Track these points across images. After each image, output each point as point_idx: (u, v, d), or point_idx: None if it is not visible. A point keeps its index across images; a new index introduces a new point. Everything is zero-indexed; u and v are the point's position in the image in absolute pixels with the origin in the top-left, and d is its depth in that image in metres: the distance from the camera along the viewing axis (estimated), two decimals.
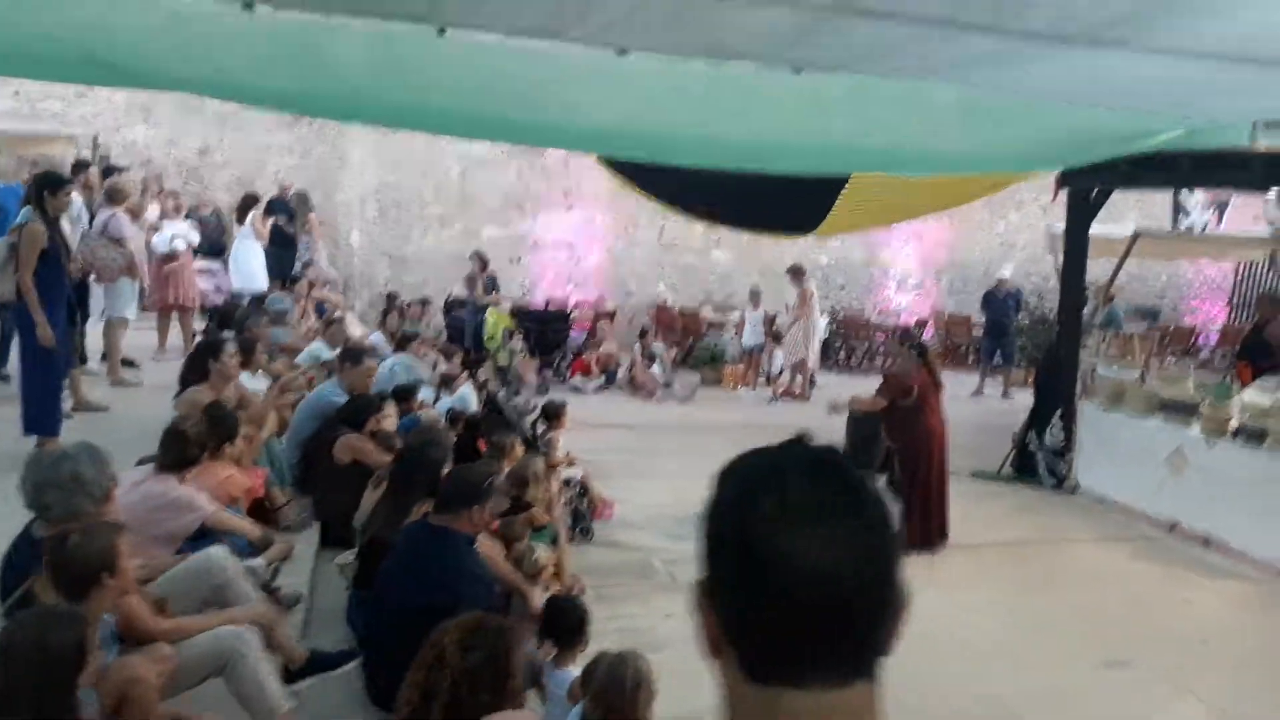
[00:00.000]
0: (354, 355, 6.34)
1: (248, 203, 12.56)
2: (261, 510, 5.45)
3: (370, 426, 5.50)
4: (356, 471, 5.53)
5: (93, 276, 7.67)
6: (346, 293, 14.20)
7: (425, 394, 8.25)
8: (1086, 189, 9.14)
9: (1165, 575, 7.12)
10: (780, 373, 12.64)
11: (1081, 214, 9.32)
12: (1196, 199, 12.37)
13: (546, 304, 13.69)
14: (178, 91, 9.25)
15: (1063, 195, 9.57)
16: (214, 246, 13.20)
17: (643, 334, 13.38)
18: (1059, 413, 9.27)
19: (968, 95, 5.68)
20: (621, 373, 12.99)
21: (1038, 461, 9.37)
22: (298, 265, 12.43)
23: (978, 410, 12.71)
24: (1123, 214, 13.04)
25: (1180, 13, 3.08)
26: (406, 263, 15.32)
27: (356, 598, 4.43)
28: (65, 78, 6.31)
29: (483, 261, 13.19)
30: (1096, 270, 10.41)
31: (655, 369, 12.81)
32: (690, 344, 14.52)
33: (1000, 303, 13.59)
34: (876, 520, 0.99)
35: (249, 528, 4.21)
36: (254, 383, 6.48)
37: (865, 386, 13.40)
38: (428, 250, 15.35)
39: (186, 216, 12.53)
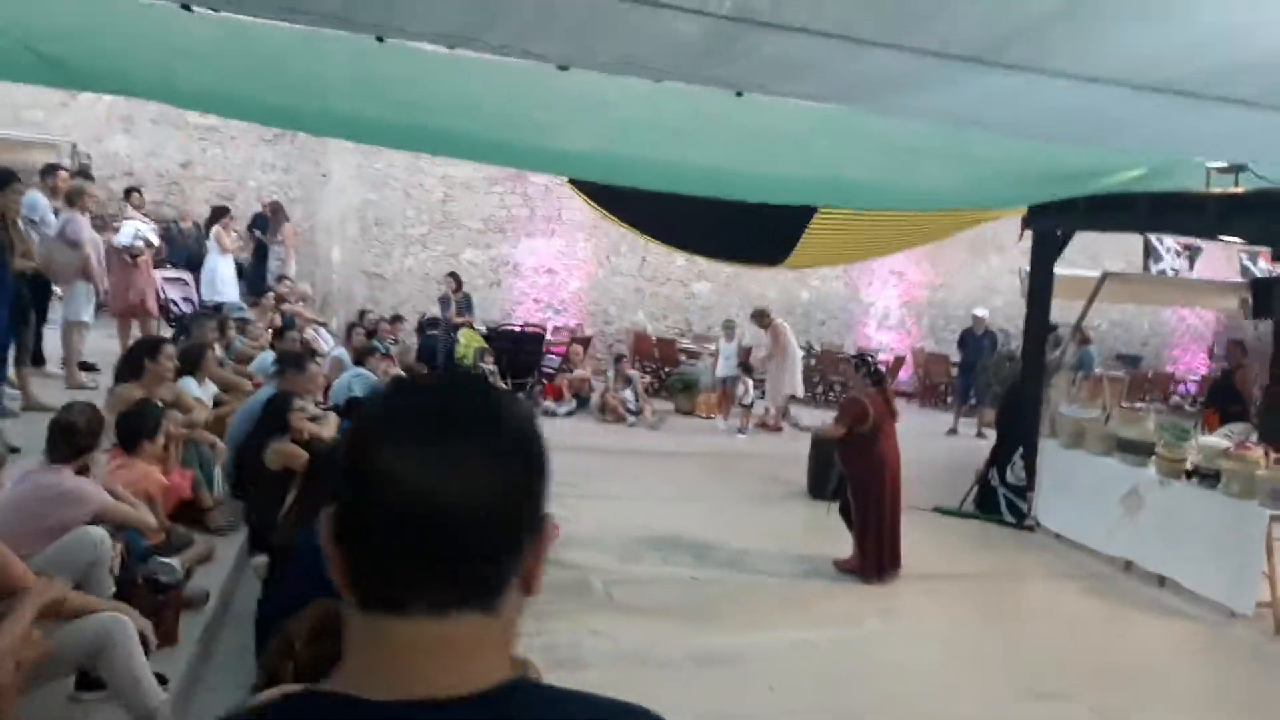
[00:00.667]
0: (295, 360, 6.31)
1: (216, 215, 12.55)
2: (190, 512, 5.41)
3: (294, 424, 5.45)
4: (287, 477, 5.49)
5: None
6: (324, 309, 14.20)
7: None
8: (1050, 229, 9.17)
9: (1111, 613, 7.04)
10: (751, 403, 12.59)
11: (1045, 254, 9.35)
12: (1168, 244, 12.44)
13: (521, 327, 13.67)
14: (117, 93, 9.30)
15: (1028, 236, 9.61)
16: (191, 259, 13.18)
17: (617, 360, 13.36)
18: (1020, 450, 9.23)
19: (923, 129, 5.73)
20: (595, 398, 12.96)
21: (999, 498, 9.32)
22: (270, 278, 12.42)
23: (950, 448, 12.67)
24: (1098, 257, 13.09)
25: (1075, 30, 3.08)
26: (386, 282, 15.35)
27: (264, 598, 4.37)
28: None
29: (457, 282, 13.20)
30: (1072, 312, 10.44)
31: (628, 395, 12.77)
32: (665, 372, 14.50)
33: (976, 342, 13.59)
34: (507, 447, 0.94)
35: (147, 521, 4.16)
36: (202, 390, 6.44)
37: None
38: (408, 270, 15.37)
39: (165, 229, 12.59)
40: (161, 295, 10.58)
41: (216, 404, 6.59)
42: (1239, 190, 7.02)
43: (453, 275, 13.43)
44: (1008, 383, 10.01)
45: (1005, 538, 8.84)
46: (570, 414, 12.74)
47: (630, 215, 10.70)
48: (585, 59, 4.06)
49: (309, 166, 14.96)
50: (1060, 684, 5.67)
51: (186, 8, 4.39)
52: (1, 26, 5.04)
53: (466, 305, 13.28)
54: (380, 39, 4.57)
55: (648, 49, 3.69)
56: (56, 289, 7.83)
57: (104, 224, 9.60)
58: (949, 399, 15.60)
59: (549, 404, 12.72)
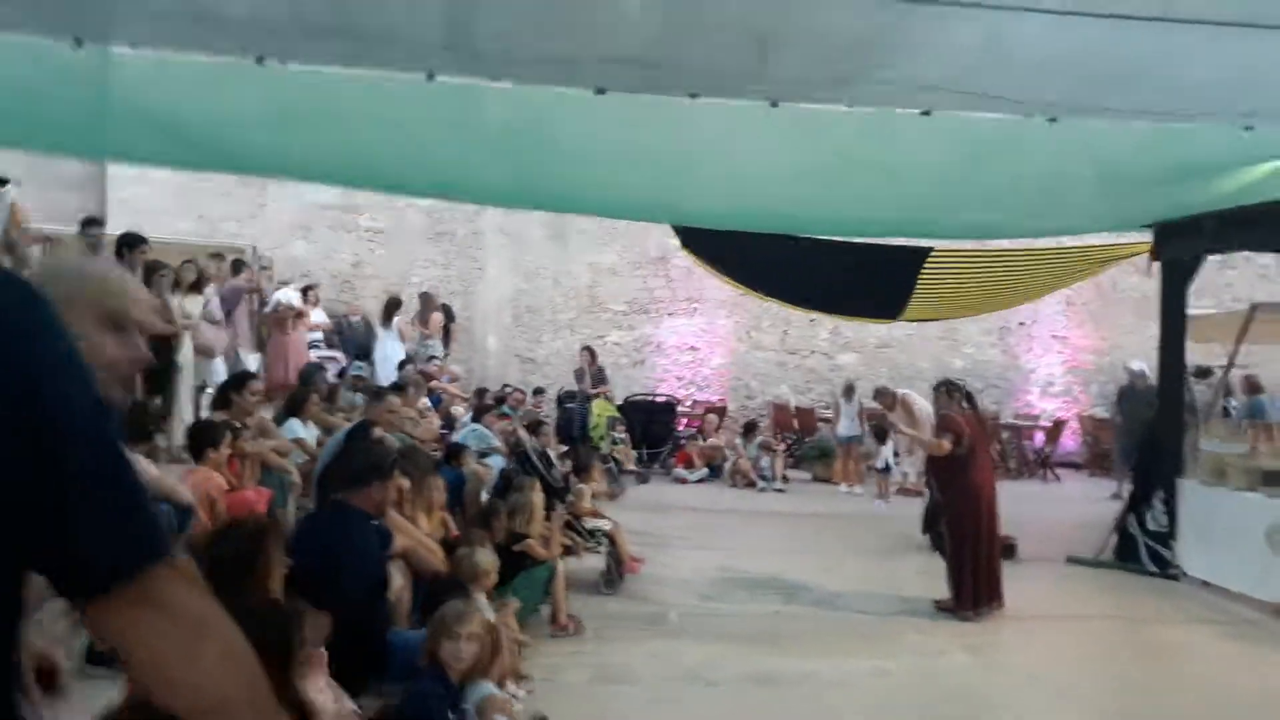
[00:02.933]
0: (375, 392, 6.82)
1: (391, 305, 13.64)
2: None
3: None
4: None
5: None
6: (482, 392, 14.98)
7: (494, 460, 8.63)
8: (1179, 255, 8.62)
9: (1246, 656, 6.31)
10: (887, 468, 12.18)
11: (1175, 282, 8.76)
12: None
13: (653, 397, 13.93)
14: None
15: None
16: (361, 349, 14.33)
17: (748, 428, 13.32)
18: (1160, 495, 8.53)
19: (1046, 138, 5.65)
20: (727, 466, 12.95)
21: (1139, 546, 8.59)
22: (419, 361, 13.30)
23: (1112, 509, 11.77)
24: (1243, 298, 12.01)
25: None
26: (537, 365, 16.05)
27: None
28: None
29: (591, 355, 13.68)
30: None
31: (763, 462, 12.69)
32: (799, 440, 14.31)
33: (1136, 399, 12.66)
34: None
35: (182, 495, 4.56)
36: (305, 430, 7.00)
37: (1002, 492, 12.79)
38: (556, 353, 16.03)
39: (337, 324, 13.85)
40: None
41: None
42: None
43: (588, 349, 13.94)
44: (1147, 426, 9.29)
45: (1142, 586, 8.11)
46: (701, 480, 12.78)
47: (744, 275, 10.86)
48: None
49: (466, 262, 16.05)
50: (1140, 712, 5.17)
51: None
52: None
53: (600, 377, 13.71)
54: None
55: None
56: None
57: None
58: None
59: (680, 471, 12.82)
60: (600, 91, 4.86)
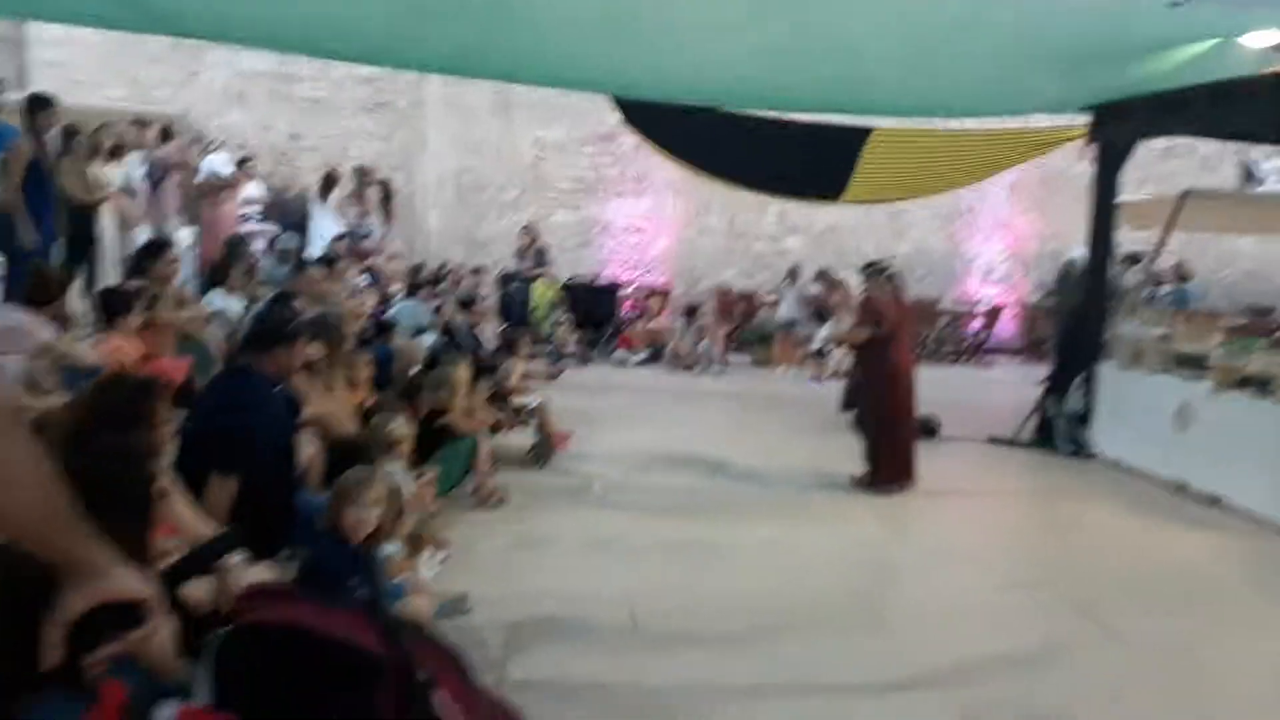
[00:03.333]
0: (298, 264, 6.75)
1: (329, 180, 13.32)
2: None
3: None
4: None
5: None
6: (417, 270, 14.81)
7: (427, 337, 8.61)
8: (1112, 139, 8.65)
9: (1135, 525, 6.61)
10: (824, 351, 12.36)
11: (1109, 167, 8.82)
12: (1272, 165, 11.35)
13: (594, 279, 13.89)
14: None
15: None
16: (298, 224, 14.03)
17: (689, 311, 13.37)
18: (1081, 377, 8.76)
19: (974, 7, 5.55)
20: (669, 349, 13.05)
21: (1056, 427, 8.87)
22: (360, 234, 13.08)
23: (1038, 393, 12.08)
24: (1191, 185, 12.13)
25: None
26: (481, 245, 15.85)
27: None
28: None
29: (532, 235, 13.55)
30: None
31: (702, 345, 12.79)
32: (742, 324, 14.43)
33: (1072, 285, 12.84)
34: None
35: (83, 357, 4.51)
36: (226, 300, 6.90)
37: (935, 377, 13.03)
38: (501, 232, 15.83)
39: (275, 197, 13.52)
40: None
41: None
42: None
43: (528, 228, 13.82)
44: (1070, 312, 9.47)
45: (1056, 465, 8.42)
46: (642, 363, 12.89)
47: (685, 151, 10.72)
48: None
49: (408, 134, 15.65)
50: (1041, 576, 5.44)
51: None
52: None
53: (542, 258, 13.62)
54: None
55: None
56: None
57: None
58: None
59: (622, 353, 12.91)
60: None
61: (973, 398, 11.37)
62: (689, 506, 6.47)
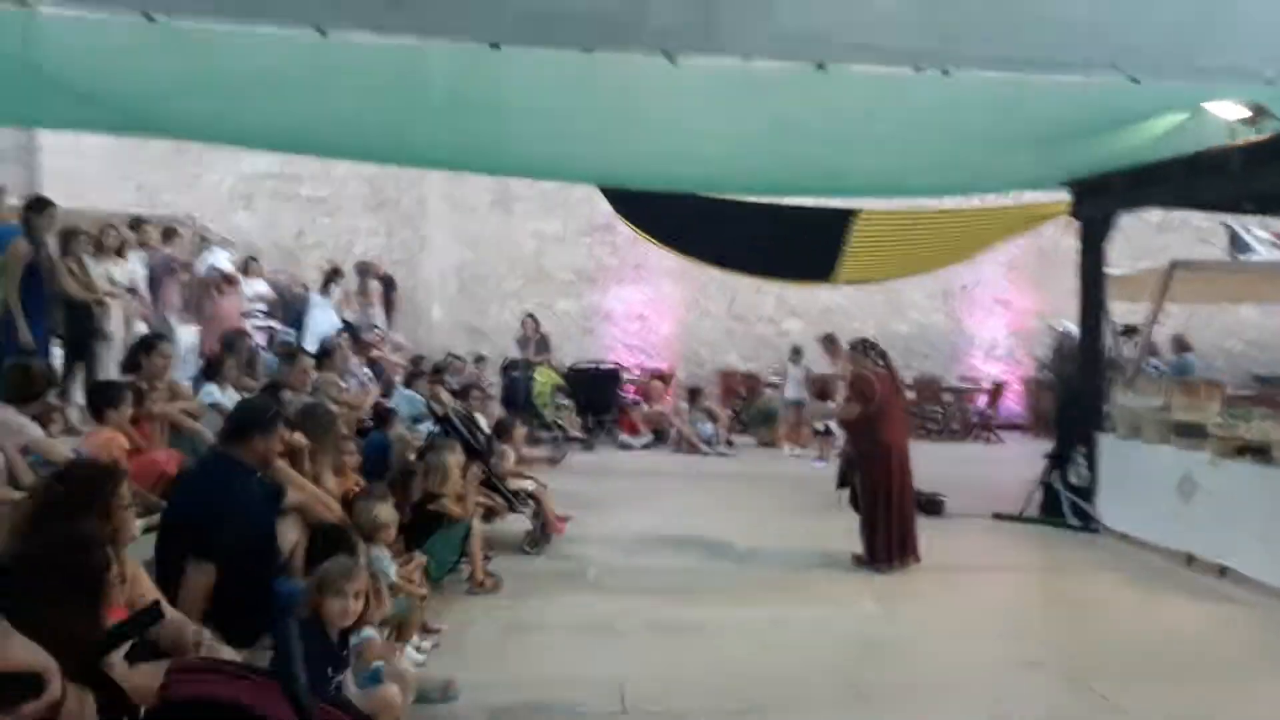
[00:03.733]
0: (288, 355, 6.81)
1: (331, 275, 13.54)
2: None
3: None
4: None
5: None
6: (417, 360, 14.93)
7: (425, 426, 8.64)
8: (1094, 214, 8.77)
9: (1145, 599, 6.49)
10: (829, 431, 12.31)
11: (1092, 240, 8.93)
12: (1259, 234, 11.44)
13: (596, 365, 13.97)
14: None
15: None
16: (301, 320, 14.22)
17: (693, 394, 13.40)
18: (1081, 450, 8.70)
19: (947, 92, 5.73)
20: (673, 432, 13.03)
21: (1061, 501, 8.77)
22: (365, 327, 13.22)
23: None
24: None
25: None
26: (484, 335, 16.02)
27: None
28: None
29: (534, 322, 13.69)
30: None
31: (707, 428, 12.78)
32: (746, 405, 14.43)
33: (1065, 357, 12.86)
34: None
35: (61, 453, 4.54)
36: (223, 395, 6.95)
37: (942, 454, 12.95)
38: (504, 323, 16.00)
39: (279, 294, 13.73)
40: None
41: None
42: (1263, 138, 6.65)
43: (530, 316, 13.96)
44: (1067, 383, 9.46)
45: (1062, 539, 8.29)
46: (646, 447, 12.87)
47: (673, 239, 10.89)
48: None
49: (409, 231, 15.97)
50: (1040, 651, 5.32)
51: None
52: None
53: (544, 345, 13.73)
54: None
55: None
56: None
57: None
58: None
59: (625, 438, 12.90)
60: (495, 46, 4.85)
61: (978, 474, 11.29)
62: (685, 588, 6.39)
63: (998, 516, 8.97)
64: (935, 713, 4.46)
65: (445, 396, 8.48)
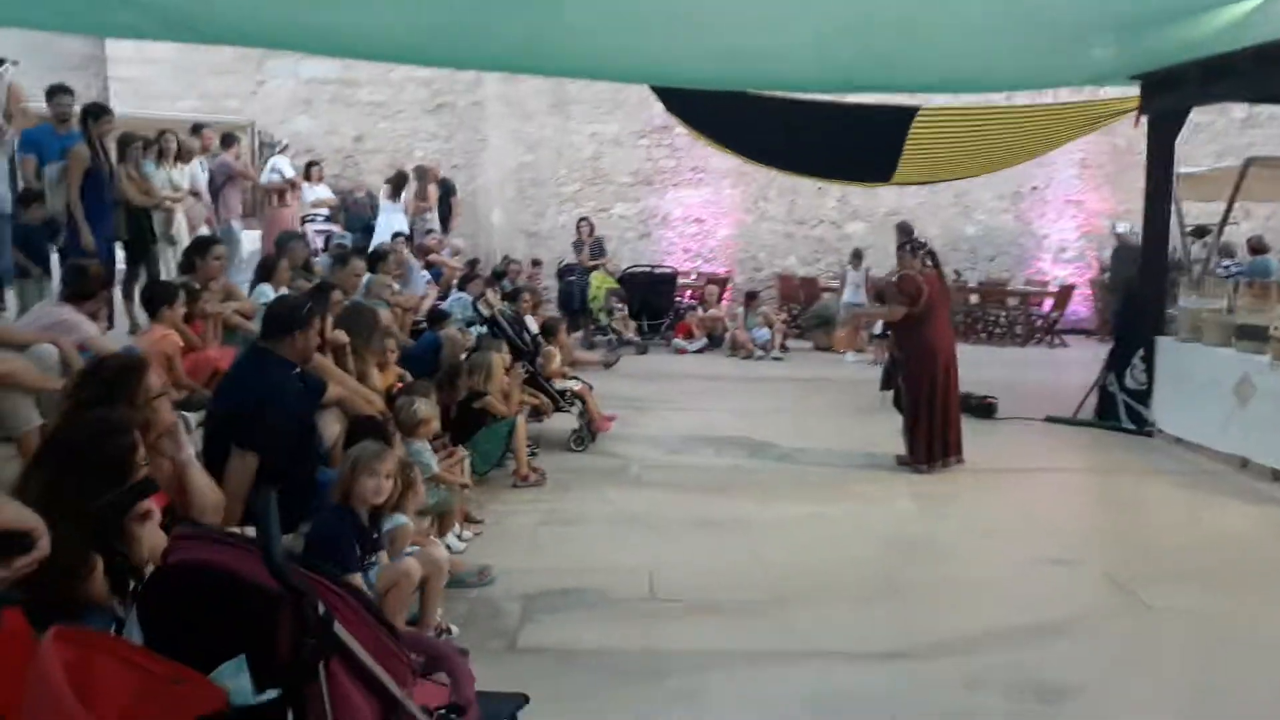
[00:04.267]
0: (340, 258, 6.96)
1: (398, 180, 13.68)
2: None
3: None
4: None
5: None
6: (485, 265, 15.08)
7: (477, 329, 8.80)
8: (1162, 109, 8.37)
9: (1191, 502, 6.42)
10: (884, 334, 12.16)
11: (1163, 138, 8.55)
12: None
13: (651, 269, 13.94)
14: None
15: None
16: (366, 225, 14.43)
17: (749, 298, 13.33)
18: (1140, 353, 8.50)
19: None
20: (727, 337, 13.03)
21: (1118, 404, 8.62)
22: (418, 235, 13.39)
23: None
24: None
25: None
26: (542, 239, 16.08)
27: None
28: None
29: (589, 226, 13.69)
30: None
31: (763, 332, 12.74)
32: (804, 310, 14.32)
33: (1124, 259, 12.45)
34: None
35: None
36: (275, 295, 7.14)
37: (1002, 357, 12.77)
38: (561, 227, 16.02)
39: (341, 199, 13.96)
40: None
41: None
42: None
43: (585, 220, 13.97)
44: (1127, 284, 9.19)
45: (1114, 442, 8.18)
46: (700, 351, 12.91)
47: (730, 139, 10.73)
48: None
49: (468, 133, 15.94)
50: (1079, 550, 5.31)
51: None
52: None
53: (599, 249, 13.76)
54: None
55: None
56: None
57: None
58: None
59: (679, 341, 12.95)
60: None
61: (1037, 378, 11.14)
62: (723, 485, 6.50)
63: (1050, 420, 8.86)
64: (962, 607, 4.52)
65: (492, 298, 8.59)
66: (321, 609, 1.70)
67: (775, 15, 6.61)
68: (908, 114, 9.40)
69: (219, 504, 3.60)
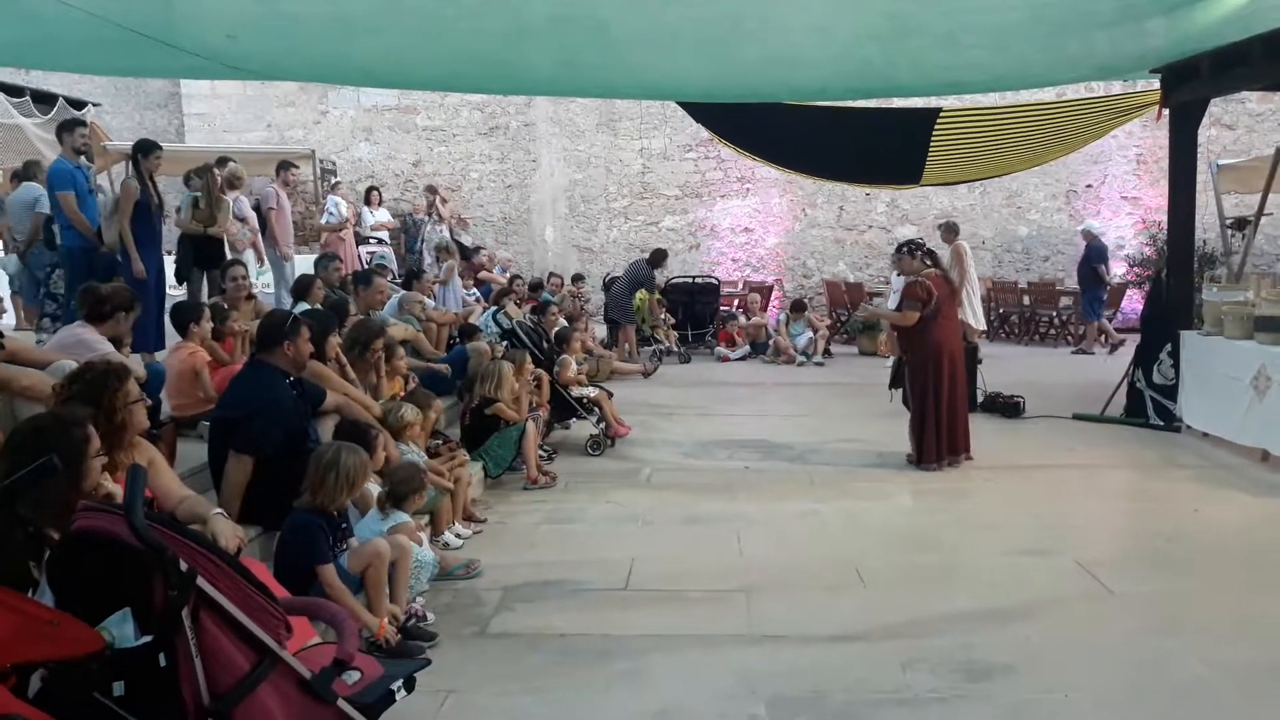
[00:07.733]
0: (364, 278, 7.40)
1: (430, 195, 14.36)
2: None
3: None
4: None
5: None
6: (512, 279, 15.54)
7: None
8: (1180, 102, 8.30)
9: (1197, 493, 6.39)
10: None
11: (1185, 129, 8.47)
12: None
13: (693, 279, 14.17)
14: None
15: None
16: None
17: (796, 305, 13.45)
18: (1166, 348, 8.43)
19: None
20: (770, 343, 13.17)
21: (1145, 400, 8.55)
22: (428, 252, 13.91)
23: None
24: None
25: None
26: (594, 254, 16.49)
27: None
28: None
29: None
30: None
31: (804, 338, 12.85)
32: (848, 315, 14.37)
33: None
34: None
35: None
36: None
37: (1045, 359, 12.68)
38: (612, 241, 16.42)
39: (402, 221, 14.65)
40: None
41: None
42: None
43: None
44: (1153, 280, 9.07)
45: (1138, 438, 8.12)
46: (743, 358, 13.09)
47: (760, 149, 10.94)
48: None
49: (520, 154, 16.46)
50: (1063, 542, 5.38)
51: None
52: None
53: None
54: None
55: None
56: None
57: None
58: None
59: (722, 349, 13.15)
60: None
61: (1077, 377, 11.03)
62: (728, 486, 6.70)
63: (1078, 417, 8.83)
64: (928, 595, 4.66)
65: (512, 310, 8.98)
66: (185, 566, 2.03)
67: (799, 23, 6.75)
68: (931, 115, 9.48)
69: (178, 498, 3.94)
